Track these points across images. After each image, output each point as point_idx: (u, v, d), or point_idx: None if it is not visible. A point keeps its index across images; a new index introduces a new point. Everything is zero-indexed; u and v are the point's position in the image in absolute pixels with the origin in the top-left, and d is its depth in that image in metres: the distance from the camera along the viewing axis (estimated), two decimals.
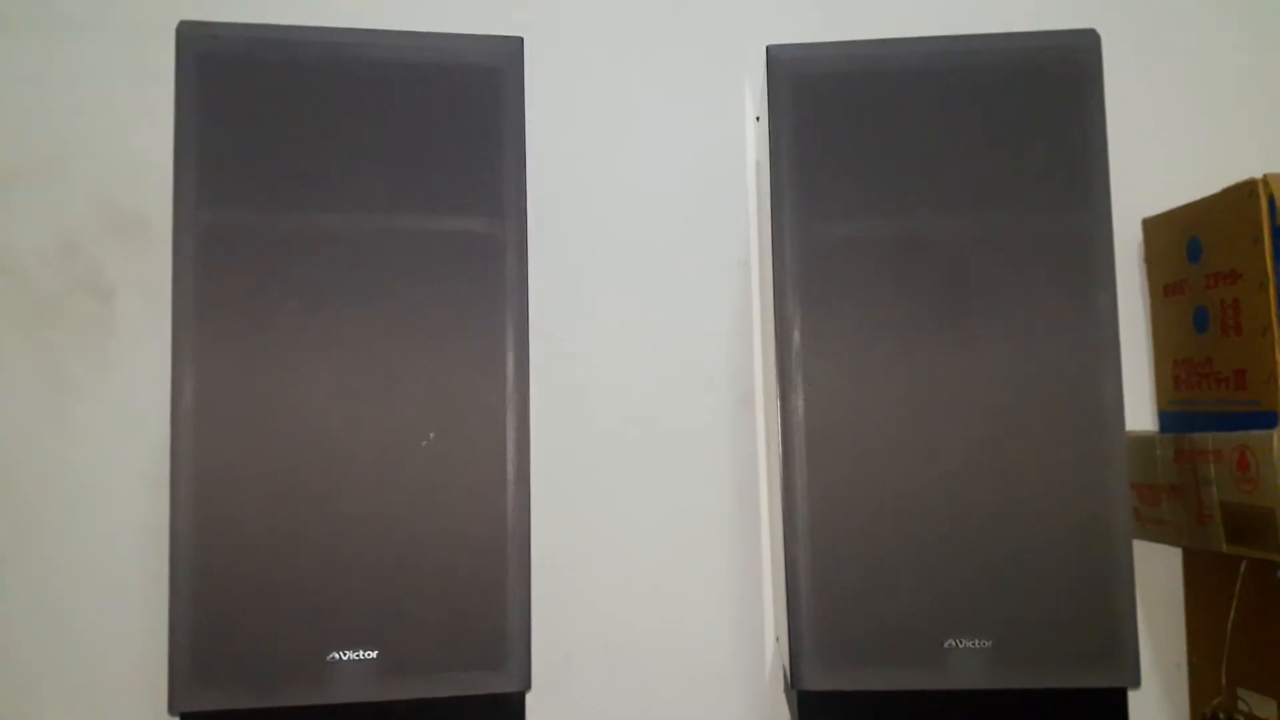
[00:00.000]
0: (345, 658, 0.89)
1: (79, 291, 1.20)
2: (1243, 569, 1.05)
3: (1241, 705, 1.05)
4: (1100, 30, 0.96)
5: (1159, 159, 1.26)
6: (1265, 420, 0.99)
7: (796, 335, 0.96)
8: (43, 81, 1.22)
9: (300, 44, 0.92)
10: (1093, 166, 0.95)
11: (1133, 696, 0.93)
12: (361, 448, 0.91)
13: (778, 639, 1.17)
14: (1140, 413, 1.22)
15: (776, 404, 0.96)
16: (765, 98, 1.00)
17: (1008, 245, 0.96)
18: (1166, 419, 1.18)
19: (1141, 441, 1.13)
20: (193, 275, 0.90)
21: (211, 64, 0.91)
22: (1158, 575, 1.18)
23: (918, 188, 0.97)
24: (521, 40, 0.95)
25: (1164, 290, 1.18)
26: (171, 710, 0.88)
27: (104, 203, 1.21)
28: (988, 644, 0.91)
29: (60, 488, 1.18)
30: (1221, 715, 1.07)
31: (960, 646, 0.92)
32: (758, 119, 1.23)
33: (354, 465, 0.91)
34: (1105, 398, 0.93)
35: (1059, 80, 0.96)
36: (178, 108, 0.90)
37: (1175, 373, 1.16)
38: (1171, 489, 1.09)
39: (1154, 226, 1.19)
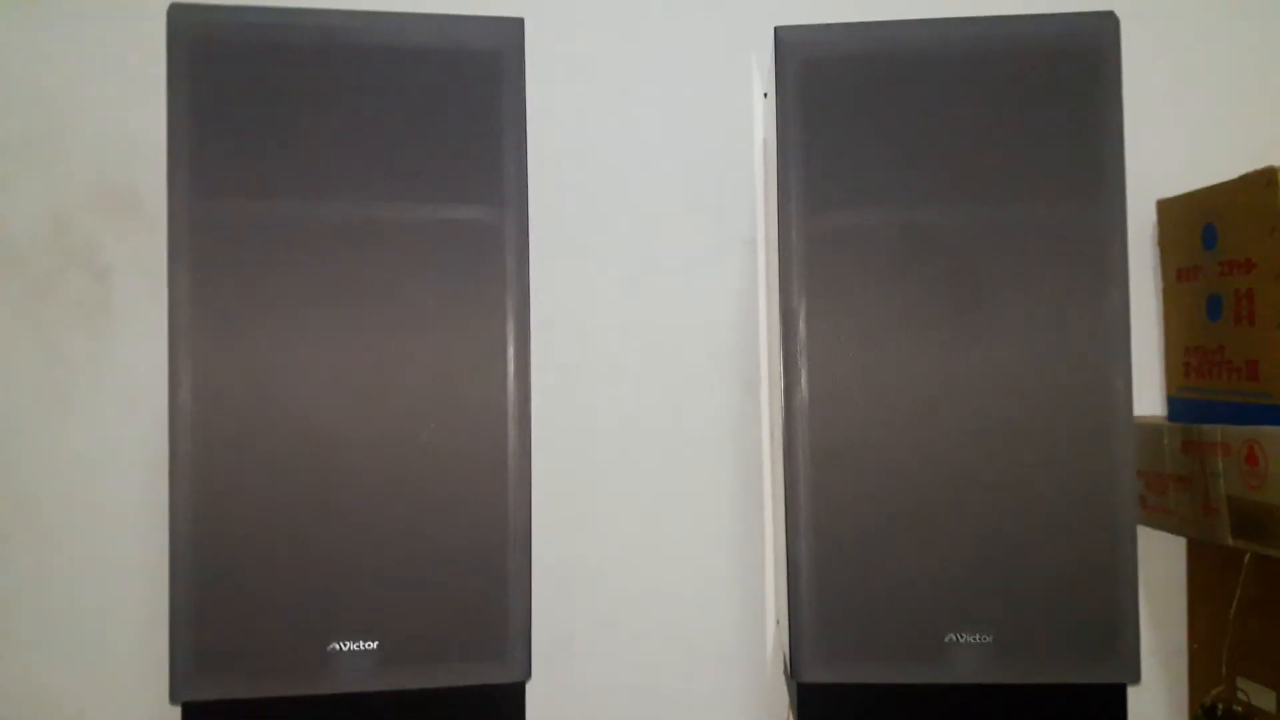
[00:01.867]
0: (346, 648, 0.89)
1: (74, 269, 1.19)
2: (1246, 560, 1.04)
3: (1241, 696, 1.06)
4: (1119, 9, 0.93)
5: (1176, 139, 1.23)
6: (1276, 414, 0.97)
7: (802, 326, 0.94)
8: (34, 57, 1.20)
9: (294, 27, 0.89)
10: (1108, 154, 0.93)
11: (1132, 686, 0.93)
12: (361, 437, 0.91)
13: (778, 621, 1.17)
14: (1149, 398, 1.21)
15: (780, 392, 0.95)
16: (773, 75, 0.97)
17: (1019, 233, 0.94)
18: (1176, 405, 1.17)
19: (1150, 429, 1.12)
20: (189, 264, 0.89)
21: (204, 48, 0.88)
22: (1161, 561, 1.18)
23: (927, 174, 0.94)
24: (522, 21, 0.92)
25: (1177, 275, 1.16)
26: (173, 700, 0.88)
27: (98, 179, 1.19)
28: (989, 639, 0.91)
29: (59, 467, 1.18)
30: (1221, 706, 1.07)
31: (961, 641, 0.91)
32: (765, 95, 1.20)
33: (354, 454, 0.90)
34: (1114, 391, 0.92)
35: (1075, 65, 0.93)
36: (170, 93, 0.88)
37: (1186, 359, 1.14)
38: (1178, 479, 1.08)
39: (1169, 209, 1.17)
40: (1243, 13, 1.26)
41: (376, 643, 0.90)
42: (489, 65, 0.91)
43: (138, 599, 1.16)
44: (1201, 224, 1.10)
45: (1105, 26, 0.93)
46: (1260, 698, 1.03)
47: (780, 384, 0.95)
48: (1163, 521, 1.12)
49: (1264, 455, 0.94)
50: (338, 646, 0.89)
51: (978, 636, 0.91)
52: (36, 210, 1.19)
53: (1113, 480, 0.91)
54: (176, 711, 0.90)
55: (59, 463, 1.17)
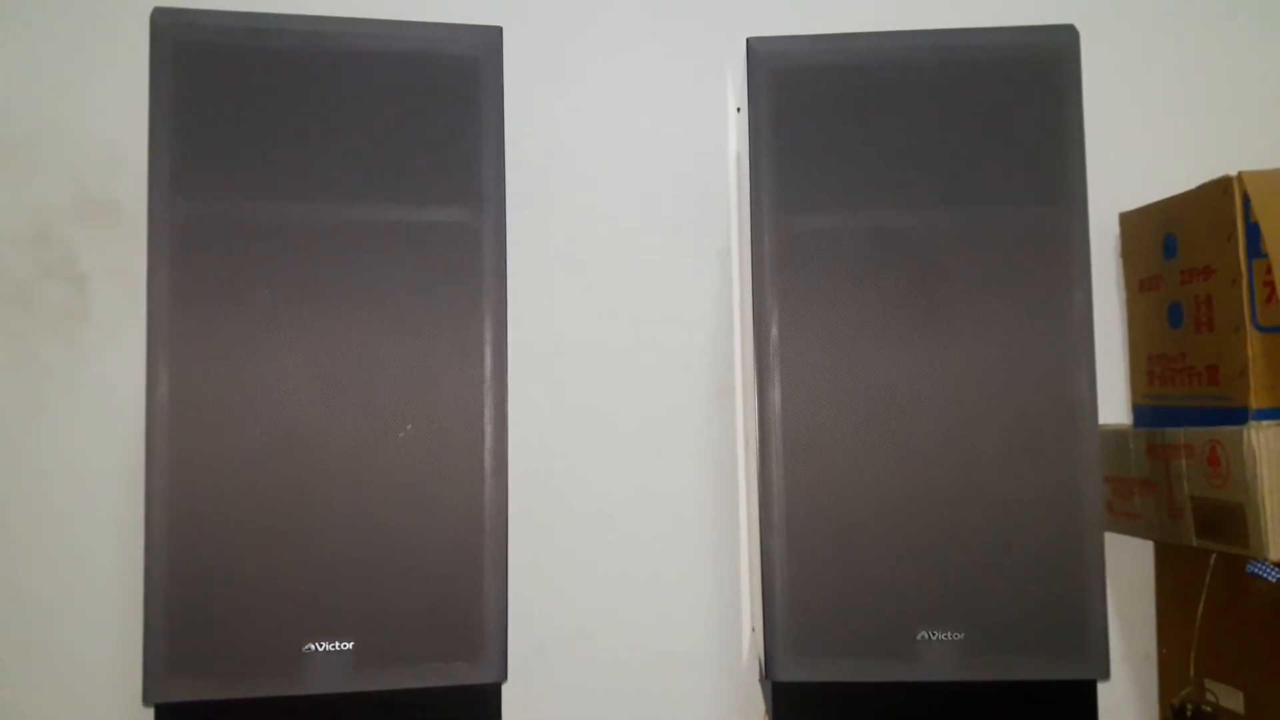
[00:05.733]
0: (321, 648, 0.89)
1: (52, 278, 1.19)
2: (1212, 562, 1.06)
3: (1209, 696, 1.07)
4: (1081, 26, 0.96)
5: (1138, 154, 1.26)
6: (1236, 416, 1.00)
7: (774, 329, 0.96)
8: (15, 64, 1.20)
9: (277, 31, 0.91)
10: (1070, 162, 0.96)
11: (1102, 687, 0.94)
12: (338, 438, 0.91)
13: (753, 629, 1.17)
14: (1115, 406, 1.23)
15: (755, 396, 0.96)
16: (746, 89, 1.00)
17: (985, 239, 0.96)
18: (1140, 413, 1.19)
19: (1115, 435, 1.15)
20: (168, 266, 0.90)
21: (187, 51, 0.89)
22: (1129, 567, 1.19)
23: (896, 181, 0.97)
24: (500, 30, 0.94)
25: (1140, 285, 1.19)
26: (146, 701, 0.87)
27: (78, 188, 1.20)
28: (959, 636, 0.92)
29: (34, 475, 1.17)
30: (1190, 706, 1.08)
31: (932, 638, 0.92)
32: (739, 110, 1.22)
33: (330, 455, 0.91)
34: (1079, 392, 0.94)
35: (1038, 76, 0.96)
36: (152, 95, 0.89)
37: (1150, 367, 1.17)
38: (1144, 483, 1.10)
39: (1131, 222, 1.20)
40: (1199, 33, 1.30)
41: (352, 643, 0.89)
42: (468, 71, 0.93)
43: (112, 602, 1.15)
44: (1161, 234, 1.13)
45: (1066, 39, 0.96)
46: (1228, 698, 1.05)
47: (754, 388, 0.97)
48: (1130, 526, 1.14)
49: (1225, 455, 0.97)
50: (313, 647, 0.89)
51: (949, 634, 0.92)
52: (14, 219, 1.19)
53: (1079, 477, 0.93)
54: (149, 714, 0.89)
55: (34, 470, 1.17)
